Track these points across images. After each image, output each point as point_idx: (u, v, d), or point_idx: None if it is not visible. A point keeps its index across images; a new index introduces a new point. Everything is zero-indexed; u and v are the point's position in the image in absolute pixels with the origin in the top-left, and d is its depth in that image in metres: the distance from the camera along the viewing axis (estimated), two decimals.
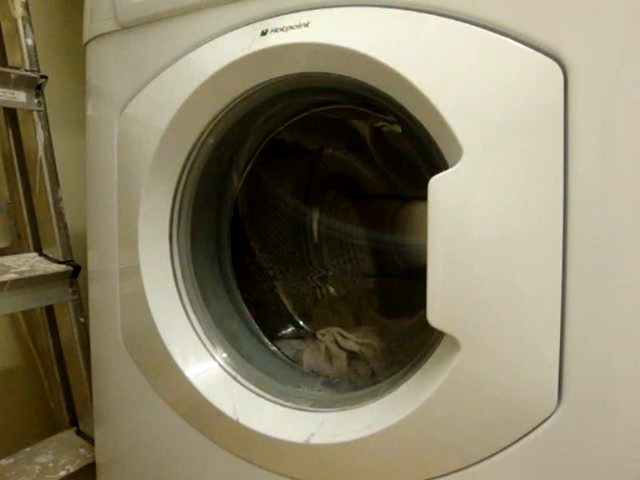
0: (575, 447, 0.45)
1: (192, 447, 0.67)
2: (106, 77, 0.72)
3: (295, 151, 0.91)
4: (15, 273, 0.81)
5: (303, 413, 0.60)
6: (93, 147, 0.74)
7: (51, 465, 0.83)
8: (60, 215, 0.90)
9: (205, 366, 0.66)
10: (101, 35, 0.72)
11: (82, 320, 0.93)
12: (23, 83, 0.86)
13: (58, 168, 0.91)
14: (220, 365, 0.66)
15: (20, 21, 0.87)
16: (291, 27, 0.56)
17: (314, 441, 0.56)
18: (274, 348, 0.77)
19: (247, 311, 0.79)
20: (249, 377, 0.66)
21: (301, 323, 0.88)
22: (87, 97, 0.76)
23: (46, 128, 0.89)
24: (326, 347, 0.75)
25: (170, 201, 0.68)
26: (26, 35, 0.88)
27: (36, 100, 0.88)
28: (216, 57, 0.60)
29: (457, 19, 0.48)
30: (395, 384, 0.55)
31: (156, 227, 0.68)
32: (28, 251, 0.94)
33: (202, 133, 0.65)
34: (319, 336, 0.78)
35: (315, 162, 0.94)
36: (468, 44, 0.47)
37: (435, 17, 0.49)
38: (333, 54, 0.54)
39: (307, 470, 0.58)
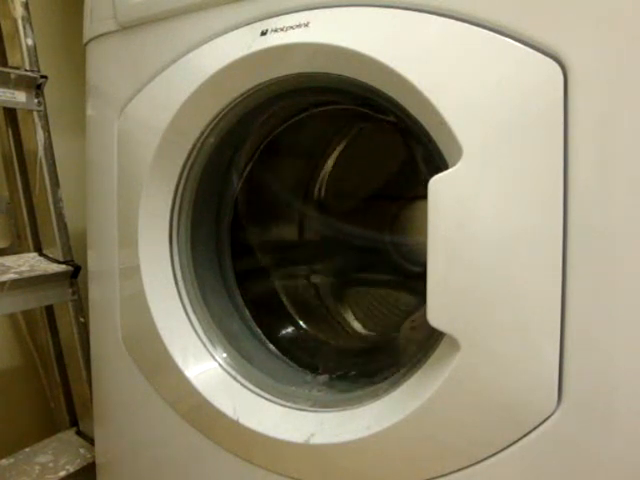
0: (575, 447, 0.45)
1: (192, 447, 0.67)
2: (106, 77, 0.72)
3: (295, 151, 0.91)
4: (15, 273, 0.81)
5: (303, 413, 0.60)
6: (93, 147, 0.74)
7: (51, 465, 0.83)
8: (60, 215, 0.90)
9: (205, 366, 0.66)
10: (101, 35, 0.72)
11: (82, 320, 0.93)
12: (23, 83, 0.86)
13: (58, 168, 0.91)
14: (220, 365, 0.66)
15: (20, 21, 0.87)
16: (291, 27, 0.56)
17: (314, 441, 0.56)
18: (274, 348, 0.77)
19: (247, 311, 0.79)
20: (249, 377, 0.66)
21: (301, 323, 0.88)
22: (87, 97, 0.76)
23: (46, 128, 0.89)
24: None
25: (170, 201, 0.68)
26: (26, 35, 0.88)
27: (36, 100, 0.88)
28: (216, 57, 0.60)
29: (457, 19, 0.48)
30: (395, 384, 0.55)
31: (156, 227, 0.68)
32: (28, 251, 0.94)
33: (202, 133, 0.65)
34: None
35: (315, 162, 0.94)
36: (468, 44, 0.47)
37: (435, 17, 0.49)
38: (333, 54, 0.53)
39: (307, 470, 0.58)
